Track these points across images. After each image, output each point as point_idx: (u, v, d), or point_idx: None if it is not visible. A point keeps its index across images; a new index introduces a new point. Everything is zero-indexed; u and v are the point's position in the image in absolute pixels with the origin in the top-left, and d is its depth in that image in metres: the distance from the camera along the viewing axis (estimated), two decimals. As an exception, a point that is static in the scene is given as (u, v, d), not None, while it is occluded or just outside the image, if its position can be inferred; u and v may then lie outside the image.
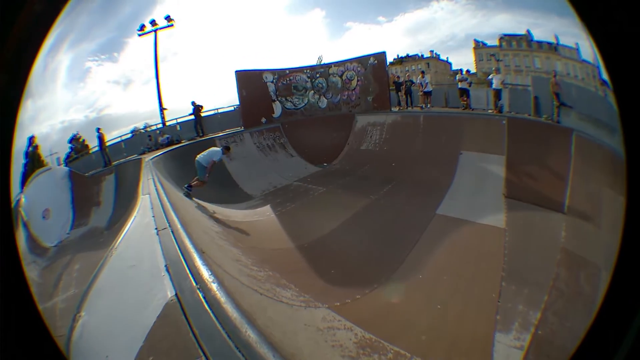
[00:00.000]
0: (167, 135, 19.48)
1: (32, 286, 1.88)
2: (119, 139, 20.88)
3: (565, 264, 7.52)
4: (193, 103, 19.36)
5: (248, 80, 19.92)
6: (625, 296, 1.57)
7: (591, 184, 10.83)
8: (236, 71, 19.88)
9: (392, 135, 14.75)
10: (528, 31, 61.03)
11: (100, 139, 17.30)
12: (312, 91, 20.47)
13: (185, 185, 10.90)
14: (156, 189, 8.86)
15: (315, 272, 7.28)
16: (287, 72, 20.83)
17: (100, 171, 15.75)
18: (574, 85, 19.68)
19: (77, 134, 23.43)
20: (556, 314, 6.21)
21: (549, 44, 58.06)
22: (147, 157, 13.33)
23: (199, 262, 4.70)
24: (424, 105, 17.73)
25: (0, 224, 1.78)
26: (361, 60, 19.74)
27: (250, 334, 3.17)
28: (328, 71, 20.42)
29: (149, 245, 5.56)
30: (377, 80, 19.17)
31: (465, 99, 16.58)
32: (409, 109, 18.20)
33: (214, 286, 4.02)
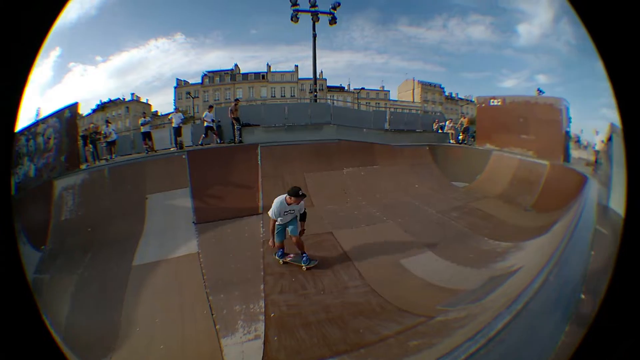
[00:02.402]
0: None
1: (32, 286, 1.98)
2: None
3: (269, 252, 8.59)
4: None
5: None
6: (625, 296, 1.73)
7: (289, 177, 13.58)
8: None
9: (83, 197, 13.59)
10: (236, 65, 66.64)
11: None
12: (27, 157, 17.70)
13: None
14: None
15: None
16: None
17: None
18: (263, 105, 22.88)
19: None
20: (286, 291, 7.01)
21: (257, 73, 64.25)
22: None
23: None
24: (110, 156, 17.10)
25: (0, 225, 1.90)
26: (58, 114, 16.98)
27: None
28: (37, 130, 17.78)
29: None
30: (69, 136, 17.05)
31: (148, 142, 17.06)
32: (97, 162, 17.15)
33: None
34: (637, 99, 1.66)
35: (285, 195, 8.15)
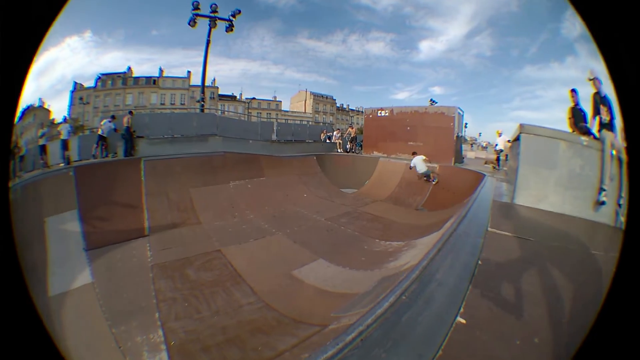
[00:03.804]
0: None
1: (30, 286, 1.98)
2: None
3: (162, 276, 8.48)
4: None
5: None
6: (625, 296, 1.71)
7: (174, 195, 13.44)
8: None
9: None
10: (129, 68, 63.92)
11: None
12: None
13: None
14: None
15: None
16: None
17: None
18: (148, 115, 21.91)
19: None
20: (181, 317, 6.84)
21: (148, 78, 61.83)
22: None
23: None
24: (20, 173, 15.06)
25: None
26: None
27: None
28: None
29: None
30: None
31: (44, 156, 14.88)
32: (16, 180, 15.18)
33: None
34: (637, 99, 1.70)
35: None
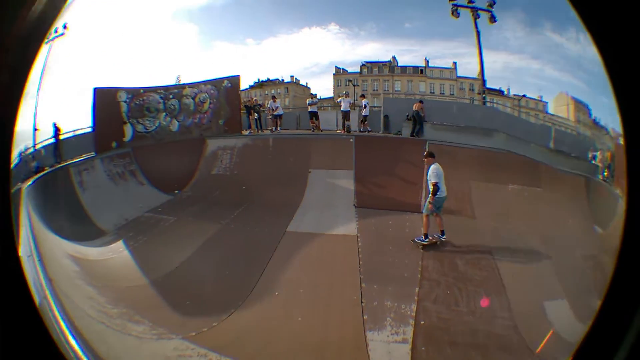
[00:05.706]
0: (37, 162, 17.49)
1: (31, 286, 1.96)
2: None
3: (432, 257, 8.51)
4: (55, 125, 17.49)
5: (103, 98, 18.27)
6: (625, 296, 1.71)
7: (454, 182, 12.54)
8: (94, 88, 17.94)
9: (242, 158, 15.47)
10: (394, 57, 66.29)
11: None
12: (164, 113, 19.60)
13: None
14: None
15: (170, 305, 7.19)
16: (142, 91, 19.40)
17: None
18: (427, 102, 22.79)
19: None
20: (439, 301, 6.90)
21: (415, 67, 63.26)
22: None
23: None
24: (274, 128, 18.79)
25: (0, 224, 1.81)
26: (216, 82, 19.76)
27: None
28: (182, 92, 19.82)
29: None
30: (229, 104, 19.53)
31: (314, 121, 18.28)
32: (260, 132, 19.00)
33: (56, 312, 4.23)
34: (637, 99, 1.64)
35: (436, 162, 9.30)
